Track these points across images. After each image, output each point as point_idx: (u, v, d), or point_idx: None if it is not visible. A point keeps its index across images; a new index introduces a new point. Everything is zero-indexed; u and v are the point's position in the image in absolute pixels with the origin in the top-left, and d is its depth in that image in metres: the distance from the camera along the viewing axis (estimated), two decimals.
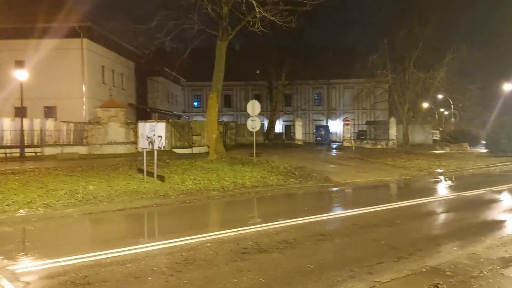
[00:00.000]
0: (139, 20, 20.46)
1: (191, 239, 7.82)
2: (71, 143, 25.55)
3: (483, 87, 39.65)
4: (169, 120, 29.87)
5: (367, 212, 10.79)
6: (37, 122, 24.64)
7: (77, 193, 11.75)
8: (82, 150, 24.90)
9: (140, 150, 15.19)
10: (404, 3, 33.59)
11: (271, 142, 38.69)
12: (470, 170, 21.60)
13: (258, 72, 47.86)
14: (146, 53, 22.59)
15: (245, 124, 24.27)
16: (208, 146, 22.34)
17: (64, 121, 26.15)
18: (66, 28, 28.14)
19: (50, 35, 27.78)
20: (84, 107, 29.83)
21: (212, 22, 20.83)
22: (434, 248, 7.37)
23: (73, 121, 26.68)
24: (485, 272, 5.84)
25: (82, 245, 7.92)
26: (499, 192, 14.50)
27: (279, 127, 54.59)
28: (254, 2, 18.30)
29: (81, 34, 29.30)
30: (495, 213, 11.14)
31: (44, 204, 10.72)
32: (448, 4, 33.84)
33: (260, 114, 24.17)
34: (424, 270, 6.01)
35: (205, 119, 26.30)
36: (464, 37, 36.47)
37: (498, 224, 9.64)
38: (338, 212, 11.28)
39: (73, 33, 28.84)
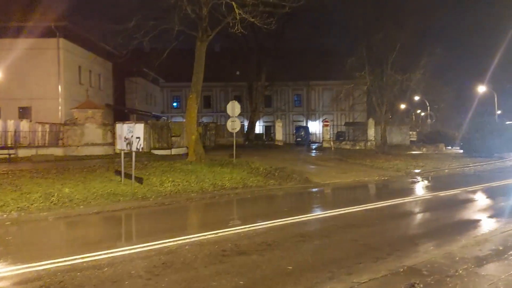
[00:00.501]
0: (117, 20, 20.17)
1: (169, 242, 7.73)
2: (47, 145, 25.02)
3: (458, 89, 40.62)
4: (148, 121, 29.56)
5: (346, 212, 10.88)
6: (11, 123, 24.04)
7: (52, 196, 11.48)
8: (57, 151, 24.41)
9: (117, 151, 14.99)
10: (381, 8, 34.15)
11: (251, 143, 38.71)
12: (446, 171, 22.02)
13: (238, 73, 47.91)
14: (124, 53, 22.33)
15: (225, 125, 24.23)
16: (187, 147, 22.20)
17: (39, 122, 25.59)
18: (41, 28, 27.54)
19: (25, 35, 27.15)
20: (60, 107, 29.24)
21: (191, 23, 20.71)
22: (411, 248, 7.49)
23: (48, 122, 26.13)
24: (460, 271, 5.95)
25: (58, 249, 7.74)
26: (474, 192, 14.83)
27: (259, 128, 54.68)
28: (233, 3, 18.29)
29: (57, 33, 28.71)
30: (470, 213, 11.38)
31: (18, 207, 10.43)
32: (423, 8, 34.57)
33: (240, 115, 24.16)
34: (402, 270, 6.09)
35: (184, 120, 26.11)
36: (439, 40, 37.27)
37: (472, 224, 9.85)
38: (318, 213, 11.34)
39: (49, 33, 28.24)
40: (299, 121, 59.87)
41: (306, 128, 51.33)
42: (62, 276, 5.98)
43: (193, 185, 14.31)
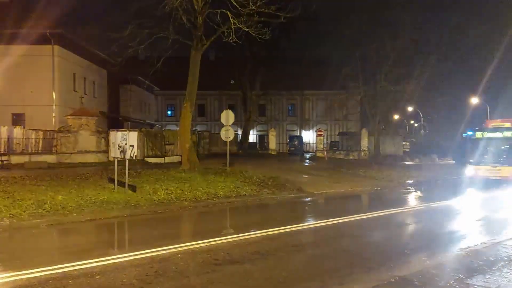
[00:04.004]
0: (113, 28, 20.28)
1: (162, 250, 7.72)
2: (40, 152, 24.87)
3: (452, 100, 40.96)
4: (142, 129, 29.51)
5: (339, 222, 10.92)
6: (4, 130, 23.89)
7: (45, 203, 11.42)
8: (51, 158, 24.26)
9: (111, 159, 14.96)
10: (376, 19, 34.57)
11: (245, 152, 38.74)
12: (439, 182, 22.18)
13: (232, 82, 48.05)
14: (119, 61, 22.36)
15: (219, 134, 24.22)
16: (181, 156, 22.18)
17: (32, 129, 25.46)
18: (36, 35, 27.53)
19: (20, 41, 27.12)
20: (54, 114, 29.15)
21: (186, 32, 20.84)
22: (403, 258, 7.53)
23: (42, 129, 26.00)
24: (451, 282, 6.00)
25: (50, 257, 7.69)
26: (465, 202, 14.94)
27: (253, 137, 54.75)
28: (228, 13, 18.43)
29: (52, 40, 28.72)
30: (461, 223, 11.46)
31: (10, 214, 10.37)
32: (418, 20, 35.03)
33: (234, 124, 24.19)
34: (393, 280, 6.13)
35: (178, 128, 26.13)
36: (434, 51, 37.63)
37: (463, 234, 9.92)
38: (311, 223, 11.37)
39: (44, 40, 28.24)
40: (293, 130, 60.05)
41: (299, 138, 51.50)
42: (53, 284, 5.96)
43: (186, 193, 14.29)
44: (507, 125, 18.99)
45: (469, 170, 19.57)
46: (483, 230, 10.30)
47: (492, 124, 19.87)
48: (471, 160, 19.65)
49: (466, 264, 6.97)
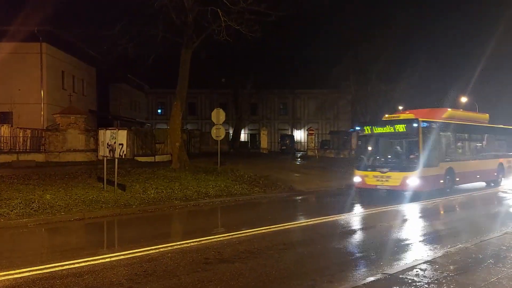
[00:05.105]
0: (102, 25, 20.05)
1: (151, 249, 7.66)
2: (28, 150, 24.56)
3: (442, 99, 41.27)
4: (131, 128, 29.30)
5: (329, 220, 10.93)
6: None
7: (32, 203, 11.29)
8: (39, 157, 23.98)
9: (100, 158, 14.80)
10: (368, 18, 34.76)
11: (236, 151, 38.64)
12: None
13: (223, 80, 47.89)
14: (109, 59, 22.15)
15: (209, 132, 24.11)
16: (171, 154, 22.06)
17: (20, 127, 25.13)
18: (24, 32, 27.14)
19: (7, 39, 26.74)
20: (42, 113, 28.79)
21: (177, 29, 20.69)
22: (393, 255, 7.54)
23: (30, 127, 25.69)
24: (442, 280, 6.01)
25: (37, 257, 7.58)
26: (455, 199, 15.05)
27: (244, 136, 54.66)
28: (219, 11, 18.35)
29: (41, 38, 28.35)
30: (444, 222, 11.53)
31: None
32: (409, 19, 35.32)
33: (225, 122, 24.12)
34: (383, 277, 6.12)
35: (168, 127, 25.98)
36: (424, 51, 38.10)
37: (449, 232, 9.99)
38: (301, 221, 11.36)
39: (32, 37, 27.84)
40: (285, 129, 60.06)
41: (291, 137, 51.52)
42: (41, 284, 5.87)
43: (176, 192, 14.22)
44: (403, 116, 15.81)
45: (356, 178, 15.69)
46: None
47: (387, 116, 16.50)
48: (357, 164, 15.95)
49: (456, 261, 6.98)
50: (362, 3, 36.68)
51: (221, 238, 8.67)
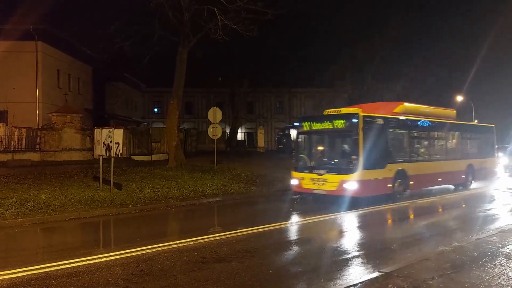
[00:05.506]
0: (98, 24, 20.00)
1: (148, 249, 7.63)
2: (23, 150, 24.44)
3: (438, 99, 41.38)
4: (128, 127, 29.23)
5: (326, 219, 10.93)
6: None
7: (28, 202, 11.23)
8: (34, 156, 23.87)
9: (96, 157, 14.77)
10: (364, 17, 34.86)
11: (233, 150, 38.61)
12: None
13: (220, 79, 47.83)
14: (105, 57, 22.07)
15: (206, 131, 24.07)
16: (168, 153, 22.01)
17: (15, 126, 25.00)
18: (19, 30, 26.99)
19: (2, 37, 26.58)
20: (37, 112, 28.64)
21: (173, 28, 20.64)
22: (389, 254, 7.55)
23: (25, 126, 25.56)
24: (436, 278, 6.02)
25: (32, 256, 7.53)
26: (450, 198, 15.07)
27: (241, 135, 54.63)
28: (215, 9, 18.31)
29: (36, 36, 28.20)
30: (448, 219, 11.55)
31: None
32: (405, 19, 35.41)
33: (222, 121, 24.03)
34: (379, 275, 6.12)
35: (165, 126, 25.93)
36: (420, 50, 38.23)
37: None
38: (298, 220, 11.36)
39: (27, 36, 27.70)
40: (281, 128, 60.06)
41: (288, 135, 51.53)
42: (36, 284, 5.83)
43: (173, 191, 14.19)
44: (345, 110, 13.87)
45: (293, 180, 13.97)
46: None
47: (328, 111, 14.29)
48: (295, 166, 14.09)
49: (451, 260, 6.98)
50: (358, 3, 36.77)
51: (217, 237, 8.65)
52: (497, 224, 10.35)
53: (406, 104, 15.82)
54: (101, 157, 13.70)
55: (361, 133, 12.40)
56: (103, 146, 13.16)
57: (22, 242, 9.09)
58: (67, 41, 31.25)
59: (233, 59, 40.42)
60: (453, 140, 17.71)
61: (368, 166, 12.55)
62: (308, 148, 14.50)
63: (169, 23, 19.92)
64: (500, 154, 24.73)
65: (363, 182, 12.45)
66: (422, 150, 15.96)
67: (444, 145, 17.20)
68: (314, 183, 13.06)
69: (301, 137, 14.43)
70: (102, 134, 13.35)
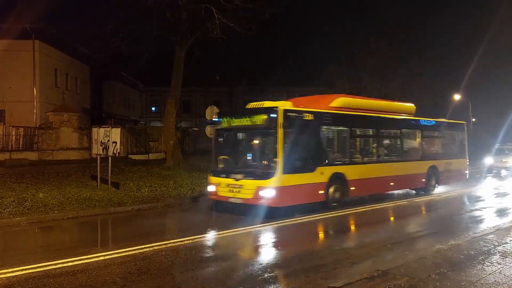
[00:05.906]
0: (96, 23, 19.99)
1: (145, 248, 7.65)
2: (21, 149, 24.41)
3: (435, 97, 41.43)
4: (125, 126, 29.20)
5: (320, 218, 10.96)
6: None
7: (25, 201, 11.24)
8: (32, 156, 23.85)
9: (94, 156, 14.75)
10: (362, 16, 34.93)
11: None
12: None
13: (217, 77, 47.86)
14: (102, 57, 22.05)
15: (204, 130, 24.07)
16: (165, 152, 22.01)
17: (13, 126, 24.95)
18: (16, 29, 26.91)
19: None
20: (35, 111, 28.57)
21: (171, 27, 20.63)
22: (386, 252, 7.59)
23: (23, 125, 25.52)
24: (433, 276, 6.06)
25: (30, 255, 7.53)
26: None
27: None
28: (213, 8, 18.31)
29: (33, 35, 28.12)
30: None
31: None
32: (402, 18, 35.49)
33: None
34: (376, 274, 6.16)
35: (162, 125, 25.91)
36: (417, 48, 38.24)
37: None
38: (296, 218, 11.38)
39: (24, 35, 27.62)
40: None
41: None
42: (34, 283, 5.84)
43: (170, 190, 14.21)
44: (268, 104, 11.09)
45: (210, 187, 11.73)
46: None
47: (251, 104, 11.84)
48: (213, 169, 11.81)
49: (448, 258, 7.02)
50: (356, 2, 36.84)
51: (215, 236, 8.67)
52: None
53: (345, 97, 13.75)
54: (98, 156, 13.71)
55: (280, 131, 10.29)
56: (101, 145, 13.17)
57: (20, 241, 9.09)
58: (64, 40, 31.17)
59: (231, 58, 40.51)
60: (410, 139, 15.61)
61: (290, 170, 10.45)
62: (228, 148, 12.28)
63: (166, 22, 19.92)
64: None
65: (283, 189, 10.36)
66: (367, 150, 13.98)
67: (398, 144, 14.94)
68: (230, 189, 10.97)
69: (221, 134, 12.23)
70: (99, 133, 13.35)
